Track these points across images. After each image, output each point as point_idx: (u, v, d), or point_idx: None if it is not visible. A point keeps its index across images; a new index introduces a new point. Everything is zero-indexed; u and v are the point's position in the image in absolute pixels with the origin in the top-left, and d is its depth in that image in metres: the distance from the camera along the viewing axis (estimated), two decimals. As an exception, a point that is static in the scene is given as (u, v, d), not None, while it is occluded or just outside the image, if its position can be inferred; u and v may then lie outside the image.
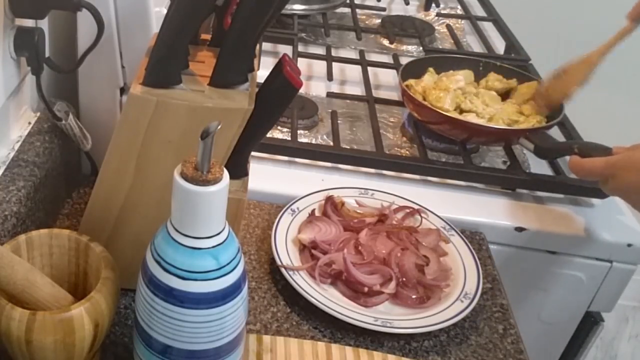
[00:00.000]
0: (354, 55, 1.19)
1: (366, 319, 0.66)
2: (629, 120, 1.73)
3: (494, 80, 1.01)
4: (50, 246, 0.58)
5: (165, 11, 0.62)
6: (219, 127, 0.45)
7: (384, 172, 0.90)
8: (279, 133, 0.93)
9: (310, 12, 1.30)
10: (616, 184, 0.75)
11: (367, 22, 1.36)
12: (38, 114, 0.75)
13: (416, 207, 0.82)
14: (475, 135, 0.92)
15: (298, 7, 1.28)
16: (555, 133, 0.99)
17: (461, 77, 1.00)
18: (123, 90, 0.76)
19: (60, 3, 0.64)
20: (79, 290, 0.58)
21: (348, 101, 1.05)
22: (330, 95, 1.05)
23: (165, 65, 0.55)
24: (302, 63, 1.12)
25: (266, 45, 1.17)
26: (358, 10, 1.36)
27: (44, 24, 0.69)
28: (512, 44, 1.26)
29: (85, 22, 0.69)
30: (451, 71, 1.03)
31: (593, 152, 0.84)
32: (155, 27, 0.70)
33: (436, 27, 1.36)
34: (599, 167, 0.77)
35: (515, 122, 0.93)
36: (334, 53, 1.18)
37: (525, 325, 0.74)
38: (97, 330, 0.52)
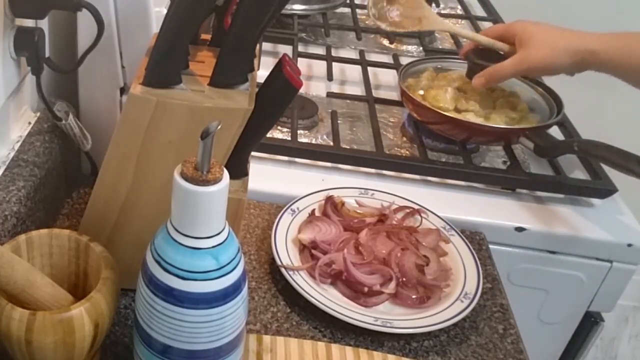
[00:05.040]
0: (354, 55, 1.19)
1: (366, 319, 0.66)
2: (627, 119, 1.73)
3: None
4: (50, 246, 0.58)
5: (165, 11, 0.62)
6: (219, 127, 0.45)
7: (384, 172, 0.90)
8: (279, 133, 0.93)
9: (310, 12, 1.30)
10: (536, 70, 0.89)
11: (367, 22, 1.36)
12: (38, 114, 0.75)
13: (416, 207, 0.82)
14: (475, 135, 0.92)
15: (298, 7, 1.28)
16: (555, 132, 0.99)
17: (458, 77, 1.00)
18: (123, 90, 0.76)
19: (60, 3, 0.64)
20: (79, 290, 0.58)
21: (348, 101, 1.05)
22: (330, 95, 1.05)
23: (165, 65, 0.55)
24: (302, 63, 1.12)
25: (266, 45, 1.17)
26: (358, 10, 1.36)
27: (44, 24, 0.69)
28: (512, 44, 1.26)
29: (85, 22, 0.69)
30: (450, 71, 1.03)
31: (594, 150, 0.85)
32: (155, 27, 0.70)
33: (436, 27, 1.36)
34: (511, 67, 0.88)
35: (513, 120, 0.93)
36: (334, 53, 1.18)
37: (525, 325, 0.74)
38: (97, 330, 0.52)
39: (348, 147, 0.92)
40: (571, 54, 0.86)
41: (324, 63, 1.12)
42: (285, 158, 0.90)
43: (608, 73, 0.87)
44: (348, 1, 1.37)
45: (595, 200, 0.90)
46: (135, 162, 0.58)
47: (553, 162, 0.94)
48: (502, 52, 0.93)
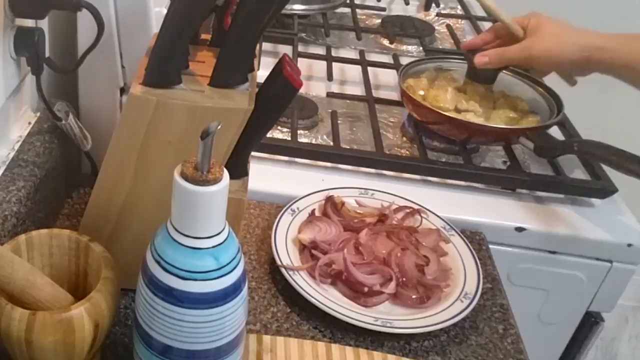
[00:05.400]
0: (354, 55, 1.19)
1: (366, 319, 0.66)
2: (627, 119, 1.74)
3: None
4: (50, 246, 0.58)
5: (165, 11, 0.62)
6: (219, 127, 0.45)
7: (384, 172, 0.90)
8: (279, 133, 0.93)
9: (310, 12, 1.30)
10: (540, 60, 0.90)
11: (367, 22, 1.36)
12: (38, 114, 0.75)
13: (416, 207, 0.82)
14: (475, 135, 0.92)
15: (298, 7, 1.28)
16: (555, 132, 0.99)
17: (458, 77, 1.00)
18: (123, 90, 0.76)
19: (60, 3, 0.64)
20: (79, 290, 0.58)
21: (348, 101, 1.05)
22: (330, 95, 1.05)
23: (165, 65, 0.55)
24: (302, 63, 1.12)
25: (266, 45, 1.17)
26: (358, 10, 1.36)
27: (44, 24, 0.69)
28: (512, 44, 1.26)
29: (85, 22, 0.69)
30: (450, 71, 1.03)
31: (594, 150, 0.85)
32: (155, 27, 0.70)
33: (436, 27, 1.36)
34: (515, 51, 0.89)
35: (513, 120, 0.93)
36: (334, 53, 1.18)
37: (525, 325, 0.74)
38: (97, 330, 0.52)
39: (348, 147, 0.92)
40: (577, 48, 0.86)
41: (324, 63, 1.12)
42: (285, 158, 0.90)
43: (612, 74, 0.87)
44: (348, 1, 1.37)
45: (595, 200, 0.90)
46: (135, 162, 0.58)
47: (553, 162, 0.94)
48: (518, 36, 0.92)
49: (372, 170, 0.90)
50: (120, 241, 0.62)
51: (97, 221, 0.62)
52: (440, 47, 1.28)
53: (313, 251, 0.73)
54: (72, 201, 0.79)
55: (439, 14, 1.42)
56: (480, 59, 0.92)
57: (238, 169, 0.61)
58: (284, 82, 0.55)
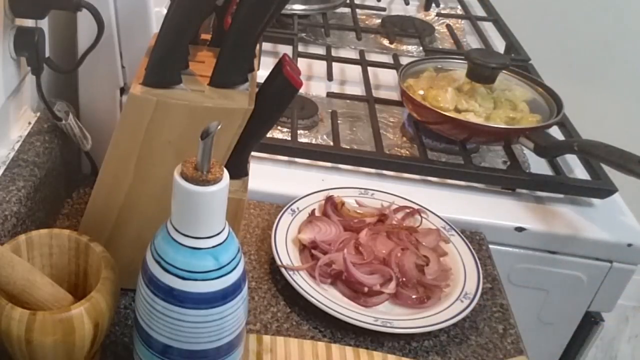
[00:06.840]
0: (354, 55, 1.19)
1: (366, 319, 0.66)
2: (627, 119, 1.74)
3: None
4: (50, 246, 0.58)
5: (165, 11, 0.62)
6: (219, 127, 0.45)
7: (384, 172, 0.90)
8: (279, 133, 0.93)
9: (310, 12, 1.30)
10: None
11: (367, 22, 1.36)
12: (38, 114, 0.75)
13: (416, 207, 0.82)
14: (475, 135, 0.92)
15: (298, 7, 1.28)
16: (555, 132, 1.00)
17: (458, 77, 1.00)
18: (123, 90, 0.76)
19: (60, 3, 0.64)
20: (79, 290, 0.58)
21: (348, 101, 1.05)
22: (330, 95, 1.05)
23: (165, 65, 0.55)
24: (302, 63, 1.12)
25: (266, 45, 1.17)
26: (358, 10, 1.36)
27: (44, 24, 0.69)
28: (512, 44, 1.26)
29: (85, 22, 0.69)
30: (450, 71, 1.03)
31: (594, 150, 0.85)
32: (155, 27, 0.70)
33: (436, 27, 1.36)
34: None
35: (513, 120, 0.93)
36: (334, 53, 1.18)
37: (525, 325, 0.74)
38: (97, 330, 0.52)
39: (348, 147, 0.92)
40: None
41: (324, 63, 1.12)
42: (285, 158, 0.90)
43: None
44: (348, 1, 1.37)
45: (595, 200, 0.90)
46: (135, 162, 0.58)
47: (553, 162, 0.94)
48: None
49: (372, 170, 0.90)
50: (120, 241, 0.62)
51: (97, 221, 0.62)
52: (440, 47, 1.29)
53: (313, 251, 0.73)
54: (72, 201, 0.79)
55: (439, 14, 1.42)
56: None
57: (238, 169, 0.61)
58: (284, 82, 0.55)
